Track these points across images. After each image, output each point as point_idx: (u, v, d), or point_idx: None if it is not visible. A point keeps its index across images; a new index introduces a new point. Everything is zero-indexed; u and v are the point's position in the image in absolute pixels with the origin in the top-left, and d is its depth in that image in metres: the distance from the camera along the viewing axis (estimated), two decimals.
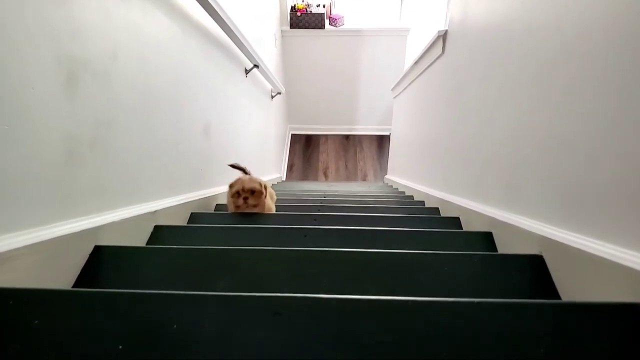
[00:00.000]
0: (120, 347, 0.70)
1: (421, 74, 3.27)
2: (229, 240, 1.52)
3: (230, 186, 1.91)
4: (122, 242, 1.31)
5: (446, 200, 2.19)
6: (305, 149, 6.77)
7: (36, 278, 0.94)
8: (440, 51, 2.62)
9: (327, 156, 6.62)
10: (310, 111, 6.93)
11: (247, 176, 1.97)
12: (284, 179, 5.96)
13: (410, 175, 3.72)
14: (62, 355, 0.70)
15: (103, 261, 1.16)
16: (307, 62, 6.40)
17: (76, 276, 1.10)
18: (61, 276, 1.05)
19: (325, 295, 0.77)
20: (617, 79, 0.90)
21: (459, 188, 2.05)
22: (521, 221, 1.32)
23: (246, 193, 1.87)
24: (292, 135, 7.02)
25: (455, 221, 1.87)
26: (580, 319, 0.72)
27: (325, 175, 6.24)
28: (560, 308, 0.76)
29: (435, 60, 2.79)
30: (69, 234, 1.07)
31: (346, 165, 6.45)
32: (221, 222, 1.83)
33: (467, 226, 1.80)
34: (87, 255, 1.15)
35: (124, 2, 1.39)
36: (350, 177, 6.23)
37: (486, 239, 1.48)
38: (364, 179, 6.18)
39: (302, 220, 1.84)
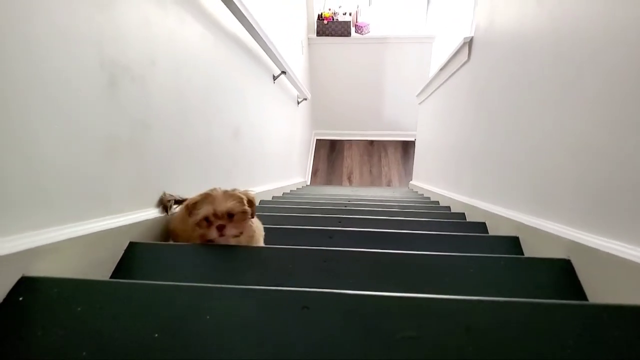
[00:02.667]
0: (156, 335, 0.74)
1: (446, 80, 3.26)
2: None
3: (189, 207, 1.21)
4: (156, 240, 1.36)
5: (472, 206, 2.18)
6: (329, 154, 6.80)
7: (76, 270, 1.00)
8: (466, 58, 2.61)
9: (351, 161, 6.64)
10: (335, 117, 6.97)
11: (218, 189, 1.22)
12: (309, 183, 6.00)
13: (435, 180, 3.70)
14: (102, 341, 0.74)
15: (137, 256, 1.20)
16: (332, 69, 6.45)
17: (112, 270, 1.15)
18: (98, 269, 1.10)
19: (350, 292, 0.79)
20: None
21: (485, 193, 2.04)
22: (548, 225, 1.31)
23: (221, 219, 1.17)
24: (317, 140, 7.07)
25: (481, 226, 1.86)
26: (608, 321, 0.72)
27: (350, 180, 6.26)
28: (589, 309, 0.76)
29: (460, 67, 2.78)
30: (106, 230, 1.12)
31: (370, 171, 6.45)
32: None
33: (493, 231, 1.79)
34: (123, 251, 1.20)
35: (162, 10, 1.45)
36: (374, 182, 6.22)
37: (512, 243, 1.48)
38: (389, 184, 6.17)
39: (326, 222, 1.87)
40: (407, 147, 6.88)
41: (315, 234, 1.57)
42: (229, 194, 1.19)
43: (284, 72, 3.43)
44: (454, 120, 3.03)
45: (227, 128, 2.21)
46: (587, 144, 1.13)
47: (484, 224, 1.87)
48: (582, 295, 1.06)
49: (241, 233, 1.21)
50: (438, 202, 3.14)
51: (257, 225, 1.32)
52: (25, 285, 0.82)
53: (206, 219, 1.17)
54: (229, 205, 1.17)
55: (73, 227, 1.02)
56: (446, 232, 1.68)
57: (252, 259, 1.19)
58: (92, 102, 1.08)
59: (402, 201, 3.26)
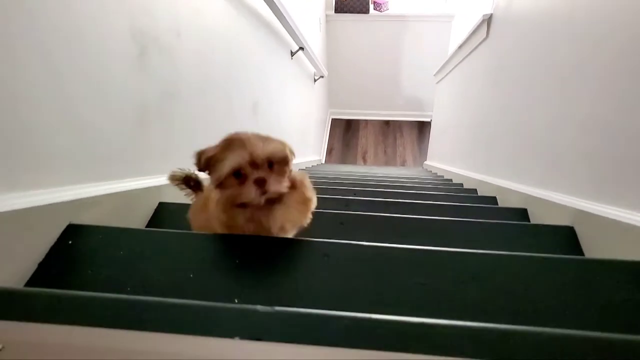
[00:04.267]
0: (191, 275, 0.83)
1: (465, 58, 3.27)
2: None
3: (206, 160, 0.82)
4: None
5: (484, 181, 2.24)
6: (345, 133, 6.84)
7: (114, 222, 1.09)
8: (485, 35, 2.63)
9: (366, 141, 6.68)
10: (351, 96, 6.98)
11: (247, 132, 0.83)
12: (324, 161, 6.07)
13: (449, 160, 3.74)
14: (143, 279, 0.83)
15: (166, 215, 1.30)
16: (350, 47, 6.44)
17: (144, 226, 1.25)
18: (132, 224, 1.20)
19: (365, 243, 0.87)
20: None
21: (497, 169, 2.09)
22: (555, 196, 1.37)
23: (260, 169, 0.79)
24: (333, 119, 7.10)
25: (492, 200, 1.92)
26: (600, 271, 0.79)
27: (364, 159, 6.31)
28: (584, 262, 0.83)
29: (479, 44, 2.80)
30: (139, 189, 1.22)
31: (385, 151, 6.49)
32: None
33: (503, 204, 1.85)
34: (153, 210, 1.30)
35: None
36: (389, 162, 6.27)
37: (521, 214, 1.54)
38: (403, 164, 6.21)
39: (342, 194, 1.95)
40: (422, 128, 6.88)
41: (332, 201, 1.65)
42: (263, 136, 0.81)
43: (302, 48, 3.47)
44: (470, 98, 3.06)
45: (247, 102, 2.28)
46: (597, 119, 1.18)
47: (494, 197, 1.93)
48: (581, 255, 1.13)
49: (280, 198, 0.83)
50: (451, 179, 3.19)
51: (308, 184, 0.92)
52: (73, 231, 0.92)
53: (237, 172, 0.77)
54: (270, 148, 0.79)
55: (111, 184, 1.11)
56: (456, 203, 1.74)
57: None
58: (125, 71, 1.16)
59: (414, 178, 3.32)
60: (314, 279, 0.81)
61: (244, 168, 0.78)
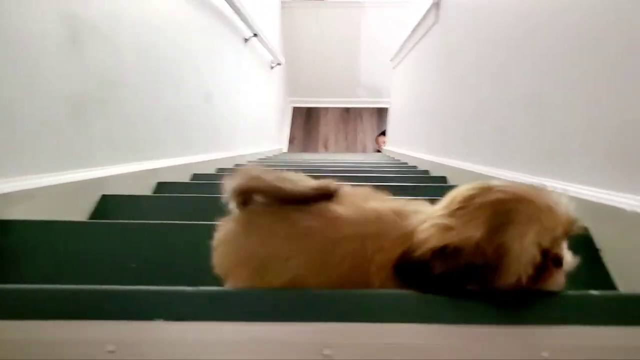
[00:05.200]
0: (134, 265, 0.81)
1: (417, 43, 3.31)
2: None
3: (468, 257, 0.49)
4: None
5: (436, 162, 2.29)
6: (306, 122, 6.84)
7: (51, 216, 1.05)
8: (434, 19, 2.67)
9: (327, 129, 6.70)
10: (311, 84, 6.95)
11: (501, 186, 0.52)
12: (285, 150, 6.05)
13: (405, 143, 3.81)
14: (87, 271, 0.81)
15: (109, 208, 1.26)
16: (307, 34, 6.40)
17: (86, 218, 1.21)
18: (72, 217, 1.16)
19: None
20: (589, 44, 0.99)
21: (448, 150, 2.14)
22: (501, 173, 1.42)
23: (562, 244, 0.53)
24: (294, 108, 7.07)
25: (442, 179, 1.97)
26: None
27: (326, 147, 6.33)
28: None
29: (430, 29, 2.84)
30: (77, 181, 1.18)
31: (346, 137, 6.53)
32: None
33: (452, 182, 1.90)
34: (96, 202, 1.26)
35: None
36: (350, 148, 6.32)
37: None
38: (364, 150, 6.27)
39: None
40: (382, 114, 6.94)
41: None
42: (540, 187, 0.53)
43: (255, 35, 3.42)
44: (423, 83, 3.10)
45: (198, 90, 2.24)
46: (540, 99, 1.23)
47: (444, 177, 1.98)
48: None
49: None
50: (407, 162, 3.25)
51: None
52: (1, 227, 0.88)
53: (545, 254, 0.49)
54: (570, 204, 0.52)
55: (44, 177, 1.06)
56: (405, 183, 1.78)
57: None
58: (54, 58, 1.11)
59: (371, 163, 3.37)
60: None
61: (554, 248, 0.50)
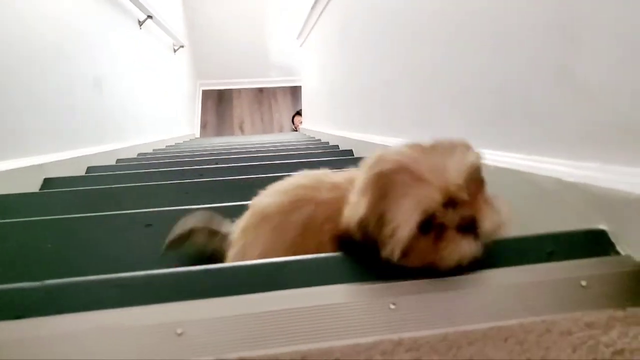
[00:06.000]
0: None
1: (318, 19, 3.32)
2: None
3: (361, 227, 0.50)
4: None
5: (344, 137, 2.34)
6: (218, 105, 6.65)
7: None
8: None
9: (241, 110, 6.57)
10: (220, 65, 6.74)
11: (405, 149, 0.51)
12: (198, 136, 5.86)
13: (318, 121, 3.84)
14: None
15: None
16: (212, 14, 6.16)
17: None
18: None
19: (189, 207, 0.85)
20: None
21: (351, 125, 2.19)
22: (375, 137, 1.48)
23: (462, 204, 0.49)
24: (203, 91, 6.84)
25: (349, 152, 2.01)
26: None
27: (242, 129, 6.22)
28: None
29: (327, 4, 2.85)
30: None
31: (262, 119, 6.46)
32: (119, 170, 1.83)
33: (357, 155, 1.96)
34: None
35: None
36: (266, 129, 6.26)
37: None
38: (281, 130, 6.24)
39: (201, 164, 1.89)
40: (296, 93, 6.94)
41: (188, 172, 1.59)
42: (427, 146, 0.51)
43: (150, 17, 3.23)
44: (328, 59, 3.13)
45: (86, 78, 2.07)
46: (424, 68, 1.28)
47: (350, 150, 2.02)
48: None
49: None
50: (320, 139, 3.28)
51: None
52: None
53: (428, 220, 0.48)
54: (467, 162, 0.49)
55: None
56: (315, 159, 1.79)
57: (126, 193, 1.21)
58: None
59: (284, 142, 3.37)
60: (137, 249, 0.78)
61: (439, 212, 0.48)
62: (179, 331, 0.41)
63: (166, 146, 3.56)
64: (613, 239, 0.58)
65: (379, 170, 0.49)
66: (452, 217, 0.48)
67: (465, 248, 0.48)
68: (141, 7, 3.02)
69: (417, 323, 0.47)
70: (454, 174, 0.47)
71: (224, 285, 0.49)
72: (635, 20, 0.56)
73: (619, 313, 0.49)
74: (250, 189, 1.22)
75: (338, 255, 0.57)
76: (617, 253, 0.57)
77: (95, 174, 1.75)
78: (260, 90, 7.01)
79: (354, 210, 0.50)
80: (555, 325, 0.47)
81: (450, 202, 0.47)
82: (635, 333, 0.47)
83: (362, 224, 0.49)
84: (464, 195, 0.47)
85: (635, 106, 0.59)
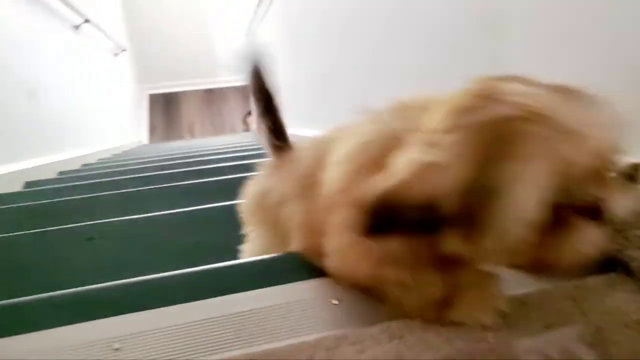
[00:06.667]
0: None
1: (264, 15, 3.31)
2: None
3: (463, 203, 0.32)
4: None
5: (294, 134, 2.35)
6: (166, 109, 6.48)
7: None
8: None
9: (190, 113, 6.44)
10: (166, 68, 6.55)
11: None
12: (147, 142, 5.70)
13: None
14: None
15: None
16: (154, 17, 5.99)
17: None
18: None
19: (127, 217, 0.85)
20: None
21: (298, 120, 2.22)
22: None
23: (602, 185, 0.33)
24: (150, 95, 6.64)
25: None
26: None
27: (192, 133, 6.10)
28: None
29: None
30: None
31: (212, 120, 6.36)
32: (60, 183, 1.76)
33: None
34: None
35: None
36: (217, 131, 6.17)
37: None
38: (233, 131, 6.17)
39: (147, 171, 1.86)
40: (247, 92, 6.85)
41: (132, 181, 1.56)
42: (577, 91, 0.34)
43: (87, 21, 3.11)
44: (277, 55, 3.13)
45: (16, 87, 1.98)
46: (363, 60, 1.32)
47: None
48: None
49: None
50: None
51: None
52: None
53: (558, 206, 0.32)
54: (619, 119, 0.33)
55: None
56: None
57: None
58: None
59: (234, 144, 3.36)
60: (78, 264, 0.76)
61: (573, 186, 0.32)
62: (116, 346, 0.41)
63: (112, 155, 3.45)
64: None
65: (498, 116, 0.32)
66: (587, 197, 0.33)
67: (596, 238, 0.34)
68: (77, 11, 2.90)
69: (360, 317, 0.48)
70: (612, 133, 0.32)
71: (161, 296, 0.49)
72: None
73: (550, 287, 0.49)
74: (198, 194, 1.22)
75: (282, 255, 0.58)
76: None
77: (34, 188, 1.68)
78: (210, 91, 6.90)
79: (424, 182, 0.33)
80: None
81: (598, 176, 0.32)
82: (565, 306, 0.47)
83: (451, 200, 0.32)
84: (609, 168, 0.33)
85: None
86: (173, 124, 6.24)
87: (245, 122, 6.26)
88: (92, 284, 0.73)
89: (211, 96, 6.80)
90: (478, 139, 0.32)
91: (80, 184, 1.62)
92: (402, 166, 0.34)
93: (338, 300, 0.49)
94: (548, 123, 0.31)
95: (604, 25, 0.56)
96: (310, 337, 0.45)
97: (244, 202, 0.70)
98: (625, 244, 0.47)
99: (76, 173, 2.16)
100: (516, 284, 0.48)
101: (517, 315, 0.44)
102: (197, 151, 2.83)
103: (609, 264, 0.45)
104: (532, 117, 0.31)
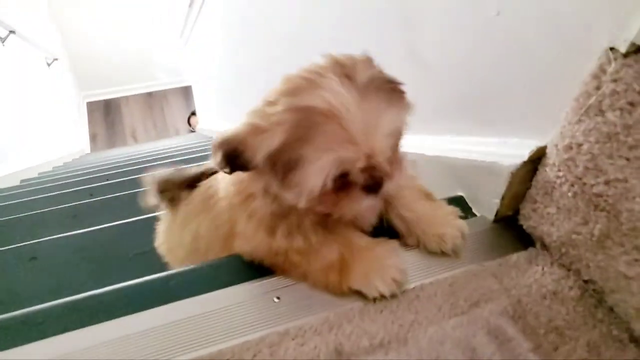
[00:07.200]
0: None
1: (198, 14, 3.31)
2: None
3: (270, 159, 0.47)
4: None
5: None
6: (106, 116, 6.30)
7: None
8: None
9: (132, 118, 6.29)
10: (103, 74, 6.34)
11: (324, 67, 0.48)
12: (88, 151, 5.54)
13: (212, 119, 3.86)
14: None
15: None
16: (86, 22, 5.77)
17: None
18: None
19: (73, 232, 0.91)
20: None
21: (230, 115, 2.28)
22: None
23: (380, 165, 0.48)
24: (88, 103, 6.43)
25: None
26: None
27: (135, 138, 5.98)
28: None
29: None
30: None
31: (155, 124, 6.25)
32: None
33: None
34: None
35: None
36: (161, 134, 6.07)
37: None
38: (177, 133, 6.10)
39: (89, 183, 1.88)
40: (188, 93, 6.79)
41: (72, 195, 1.58)
42: (362, 86, 0.46)
43: (12, 32, 3.02)
44: (214, 54, 3.15)
45: None
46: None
47: None
48: None
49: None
50: (212, 137, 3.33)
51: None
52: None
53: (342, 176, 0.48)
54: (397, 125, 0.49)
55: None
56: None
57: None
58: None
59: (180, 146, 3.37)
60: (22, 286, 0.81)
61: (354, 171, 0.47)
62: None
63: (53, 167, 3.37)
64: (470, 203, 0.66)
65: (305, 105, 0.44)
66: (363, 178, 0.47)
67: (369, 202, 0.50)
68: (1, 23, 2.82)
69: (301, 311, 0.51)
70: (383, 141, 0.46)
71: (108, 308, 0.53)
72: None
73: (475, 267, 0.56)
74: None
75: (225, 259, 0.61)
76: (474, 215, 0.65)
77: None
78: (150, 94, 6.76)
79: (264, 136, 0.46)
80: (423, 290, 0.54)
81: (369, 168, 0.47)
82: (489, 284, 0.53)
83: (269, 155, 0.46)
84: (384, 165, 0.47)
85: (469, 81, 0.68)
86: (115, 130, 6.09)
87: (189, 123, 6.20)
88: (36, 305, 0.80)
89: (152, 99, 6.67)
90: (293, 117, 0.44)
91: (19, 202, 1.62)
92: (241, 124, 0.49)
93: (279, 297, 0.53)
94: (338, 126, 0.43)
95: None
96: (255, 336, 0.47)
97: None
98: (540, 221, 0.54)
99: (15, 190, 2.13)
100: (443, 267, 0.55)
101: (446, 296, 0.51)
102: (140, 157, 2.82)
103: (528, 239, 0.56)
104: (329, 116, 0.43)
